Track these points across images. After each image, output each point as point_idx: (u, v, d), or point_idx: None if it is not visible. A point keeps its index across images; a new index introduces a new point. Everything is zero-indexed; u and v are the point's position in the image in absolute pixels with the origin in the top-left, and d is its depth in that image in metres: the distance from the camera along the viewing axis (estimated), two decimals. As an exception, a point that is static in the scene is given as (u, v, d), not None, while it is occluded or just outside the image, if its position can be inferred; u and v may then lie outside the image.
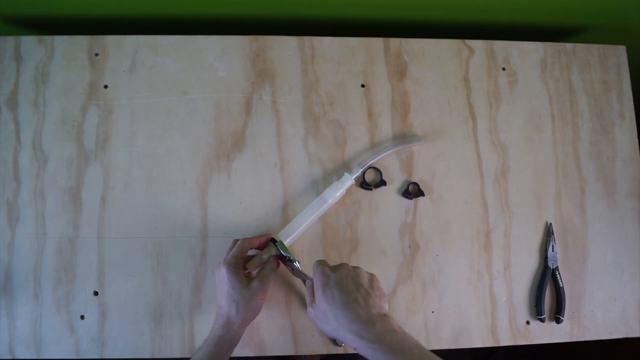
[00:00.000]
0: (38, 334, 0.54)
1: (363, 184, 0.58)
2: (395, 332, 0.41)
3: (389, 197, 0.59)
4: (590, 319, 0.58)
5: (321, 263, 0.49)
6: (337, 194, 0.56)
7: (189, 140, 0.59)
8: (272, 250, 0.52)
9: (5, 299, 0.55)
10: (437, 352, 0.43)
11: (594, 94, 0.64)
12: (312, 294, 0.47)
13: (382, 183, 0.58)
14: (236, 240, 0.52)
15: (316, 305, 0.46)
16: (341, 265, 0.47)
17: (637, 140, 0.63)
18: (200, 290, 0.55)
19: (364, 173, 0.58)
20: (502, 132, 0.62)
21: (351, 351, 0.50)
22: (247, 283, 0.48)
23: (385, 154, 0.58)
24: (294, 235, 0.55)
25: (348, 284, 0.44)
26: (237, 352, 0.54)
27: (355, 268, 0.47)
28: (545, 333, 0.57)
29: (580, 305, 0.58)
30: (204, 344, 0.47)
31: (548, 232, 0.59)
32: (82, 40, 0.61)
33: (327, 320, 0.44)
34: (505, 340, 0.57)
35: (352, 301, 0.43)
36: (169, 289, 0.55)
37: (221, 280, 0.48)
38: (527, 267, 0.59)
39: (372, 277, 0.48)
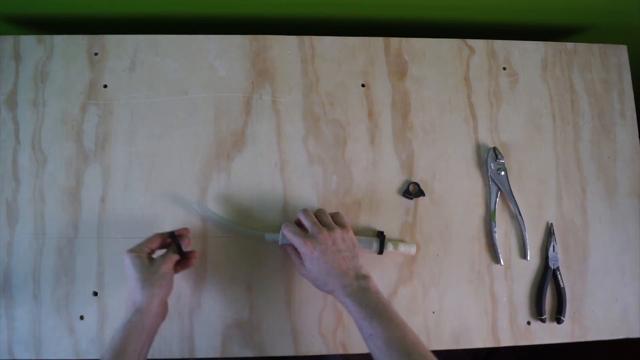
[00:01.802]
0: (37, 334, 0.54)
1: (405, 192, 0.58)
2: (369, 289, 0.47)
3: (389, 197, 0.59)
4: (591, 320, 0.58)
5: (297, 233, 0.49)
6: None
7: (189, 140, 0.59)
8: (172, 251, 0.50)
9: (4, 299, 0.54)
10: (438, 353, 0.43)
11: (595, 94, 0.64)
12: (298, 257, 0.51)
13: (421, 193, 0.59)
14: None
15: (307, 271, 0.50)
16: (320, 235, 0.49)
17: (638, 140, 0.63)
18: (200, 291, 0.55)
19: (408, 185, 0.58)
20: (503, 132, 0.62)
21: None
22: (149, 262, 0.48)
23: None
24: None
25: (329, 255, 0.48)
26: (237, 352, 0.54)
27: (330, 231, 0.49)
28: (546, 333, 0.57)
29: (581, 305, 0.58)
30: (114, 332, 0.44)
31: (549, 232, 0.59)
32: (81, 40, 0.60)
33: (320, 282, 0.49)
34: (506, 341, 0.57)
35: (337, 267, 0.48)
36: (168, 289, 0.55)
37: (126, 268, 0.47)
38: (527, 267, 0.59)
39: (343, 234, 0.50)
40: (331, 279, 0.48)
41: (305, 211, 0.52)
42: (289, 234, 0.50)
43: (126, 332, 0.44)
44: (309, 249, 0.48)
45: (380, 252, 0.55)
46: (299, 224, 0.53)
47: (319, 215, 0.52)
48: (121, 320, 0.45)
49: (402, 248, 0.56)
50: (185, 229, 0.54)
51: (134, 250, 0.48)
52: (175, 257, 0.50)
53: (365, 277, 0.48)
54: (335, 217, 0.53)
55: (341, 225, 0.51)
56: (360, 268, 0.49)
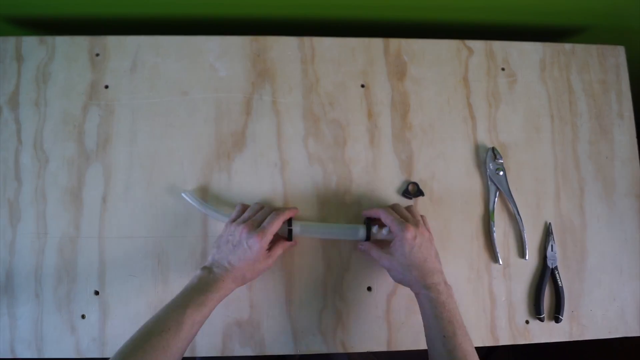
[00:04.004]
0: (39, 333, 0.54)
1: (405, 192, 0.59)
2: (453, 297, 0.49)
3: (388, 196, 0.59)
4: (589, 319, 0.58)
5: (398, 218, 0.51)
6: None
7: (190, 140, 0.59)
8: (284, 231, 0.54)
9: (6, 298, 0.55)
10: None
11: (593, 94, 0.64)
12: (380, 248, 0.52)
13: (420, 193, 0.59)
14: (270, 208, 0.54)
15: (393, 259, 0.50)
16: (420, 226, 0.50)
17: (635, 140, 0.64)
18: (201, 290, 0.56)
19: (408, 185, 0.59)
20: (502, 132, 0.62)
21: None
22: (266, 259, 0.51)
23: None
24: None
25: (425, 248, 0.49)
26: (237, 350, 0.55)
27: (425, 230, 0.51)
28: (545, 332, 0.57)
29: (579, 304, 0.58)
30: (205, 288, 0.46)
31: (547, 232, 0.60)
32: (83, 41, 0.61)
33: (405, 272, 0.49)
34: (504, 340, 0.57)
35: (429, 262, 0.49)
36: (169, 288, 0.55)
37: (250, 248, 0.48)
38: (526, 266, 0.59)
39: (432, 239, 0.52)
40: (418, 271, 0.48)
41: (399, 205, 0.54)
42: (388, 217, 0.51)
43: (217, 296, 0.47)
44: (411, 235, 0.48)
45: (368, 237, 0.55)
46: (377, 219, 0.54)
47: (413, 211, 0.53)
48: (218, 284, 0.47)
49: (385, 231, 0.55)
50: (295, 209, 0.56)
51: (268, 242, 0.49)
52: (290, 246, 0.55)
53: (451, 287, 0.49)
54: (423, 220, 0.54)
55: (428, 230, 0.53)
56: (444, 274, 0.50)
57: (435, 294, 0.47)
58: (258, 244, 0.48)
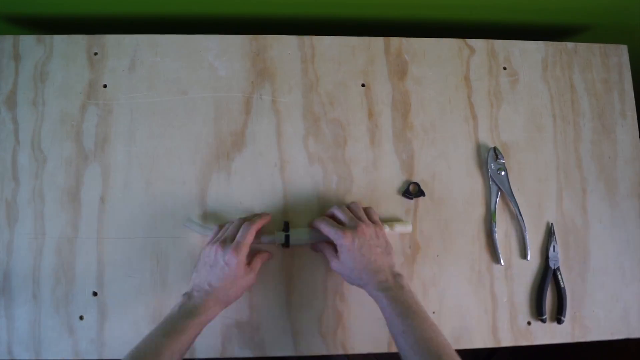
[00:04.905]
0: (37, 335, 0.54)
1: (405, 192, 0.58)
2: (404, 287, 0.48)
3: (389, 197, 0.59)
4: (592, 320, 0.58)
5: (334, 225, 0.50)
6: None
7: (189, 139, 0.59)
8: (282, 238, 0.53)
9: (4, 300, 0.54)
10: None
11: (596, 94, 0.64)
12: (333, 250, 0.51)
13: (421, 193, 0.58)
14: (241, 220, 0.52)
15: (341, 264, 0.50)
16: (358, 228, 0.49)
17: (638, 140, 0.63)
18: (200, 291, 0.55)
19: (408, 185, 0.59)
20: (503, 132, 0.62)
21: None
22: (247, 274, 0.49)
23: None
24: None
25: (367, 248, 0.49)
26: (237, 352, 0.54)
27: (367, 226, 0.50)
28: (547, 334, 0.57)
29: (581, 305, 0.58)
30: (185, 315, 0.45)
31: (549, 232, 0.59)
32: (81, 40, 0.60)
33: (353, 276, 0.49)
34: (506, 341, 0.56)
35: (373, 262, 0.49)
36: (168, 289, 0.55)
37: (227, 265, 0.47)
38: (528, 267, 0.58)
39: (377, 230, 0.50)
40: (366, 273, 0.48)
41: (340, 206, 0.53)
42: (326, 227, 0.50)
43: (198, 321, 0.45)
44: (348, 241, 0.48)
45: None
46: (332, 217, 0.53)
47: (353, 208, 0.53)
48: (196, 309, 0.46)
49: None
50: (268, 215, 0.55)
51: (244, 255, 0.48)
52: (267, 258, 0.54)
53: (401, 275, 0.49)
54: (367, 212, 0.53)
55: (373, 221, 0.52)
56: (394, 265, 0.50)
57: (384, 291, 0.47)
58: (235, 259, 0.47)
